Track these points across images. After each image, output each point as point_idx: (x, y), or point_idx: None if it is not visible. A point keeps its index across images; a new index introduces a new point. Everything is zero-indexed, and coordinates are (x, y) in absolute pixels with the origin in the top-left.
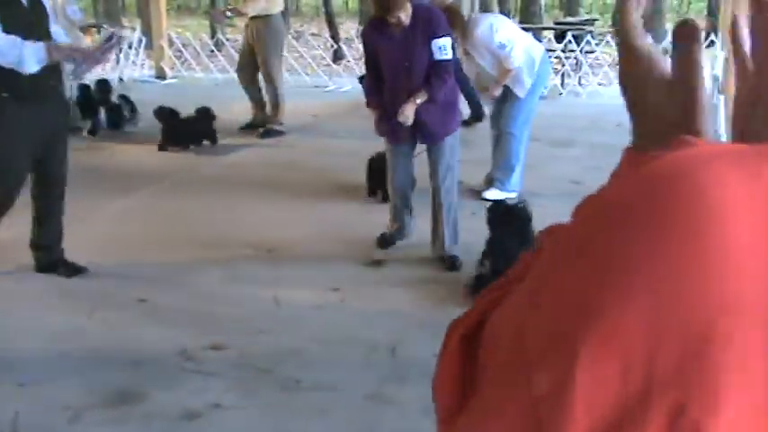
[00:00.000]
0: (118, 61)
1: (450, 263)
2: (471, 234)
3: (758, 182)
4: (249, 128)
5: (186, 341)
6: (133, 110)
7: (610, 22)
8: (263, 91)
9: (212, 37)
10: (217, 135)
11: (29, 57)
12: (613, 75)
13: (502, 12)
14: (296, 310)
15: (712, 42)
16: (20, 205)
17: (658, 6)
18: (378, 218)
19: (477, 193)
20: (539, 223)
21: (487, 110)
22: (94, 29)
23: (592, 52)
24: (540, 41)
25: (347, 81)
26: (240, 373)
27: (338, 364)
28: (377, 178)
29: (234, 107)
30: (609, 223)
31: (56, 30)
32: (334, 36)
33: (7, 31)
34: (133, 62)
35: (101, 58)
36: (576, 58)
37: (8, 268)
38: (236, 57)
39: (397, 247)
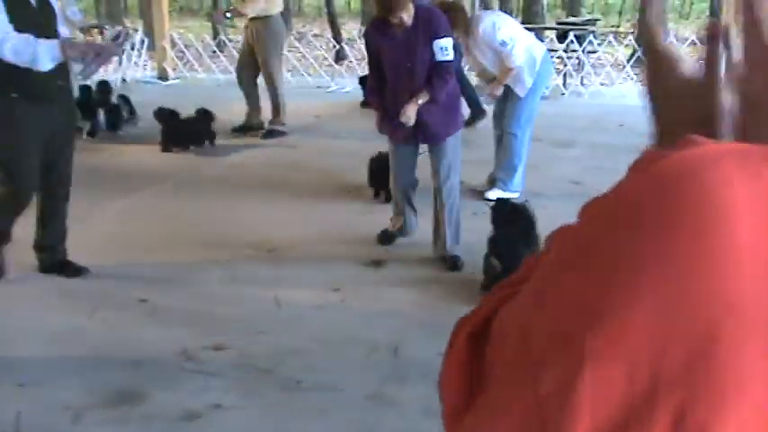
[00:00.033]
0: (120, 62)
1: (452, 263)
2: (473, 234)
3: (759, 182)
4: (241, 130)
5: (187, 341)
6: (132, 111)
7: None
8: (261, 92)
9: (214, 38)
10: (215, 136)
11: (43, 54)
12: (615, 75)
13: (503, 11)
14: (296, 311)
15: None
16: None
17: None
18: (379, 218)
19: (479, 194)
20: (540, 223)
21: (489, 109)
22: (96, 30)
23: (594, 52)
24: (542, 41)
25: (349, 82)
26: (241, 374)
27: (339, 365)
28: (378, 179)
29: (235, 108)
30: (616, 222)
31: (63, 30)
32: (337, 36)
33: (18, 31)
34: (135, 63)
35: (111, 55)
36: (578, 58)
37: (9, 268)
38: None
39: (398, 246)
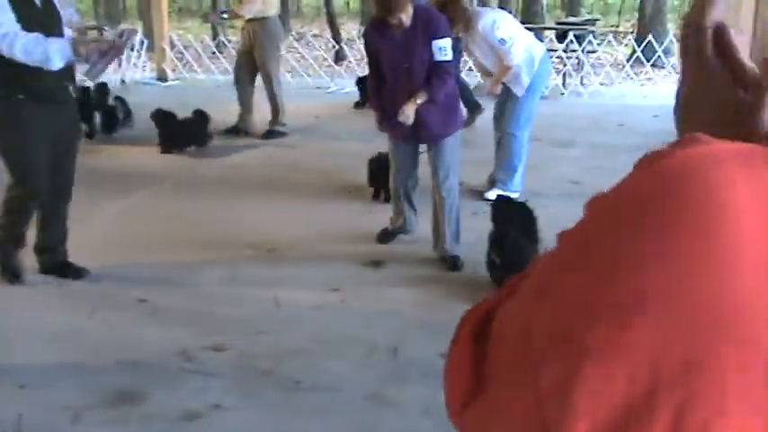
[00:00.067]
0: (120, 63)
1: (452, 263)
2: (473, 234)
3: (761, 183)
4: (233, 132)
5: (186, 341)
6: (127, 113)
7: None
8: (259, 93)
9: (214, 39)
10: (211, 137)
11: (54, 53)
12: (615, 75)
13: (503, 9)
14: (296, 311)
15: None
16: None
17: (660, 6)
18: (379, 218)
19: (478, 194)
20: (539, 224)
21: (489, 109)
22: (95, 30)
23: (593, 52)
24: (542, 41)
25: (349, 82)
26: (240, 374)
27: (338, 365)
28: (378, 179)
29: (234, 109)
30: (618, 221)
31: (66, 32)
32: (336, 37)
33: (25, 31)
34: (135, 64)
35: (117, 55)
36: (577, 57)
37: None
38: None
39: (398, 246)
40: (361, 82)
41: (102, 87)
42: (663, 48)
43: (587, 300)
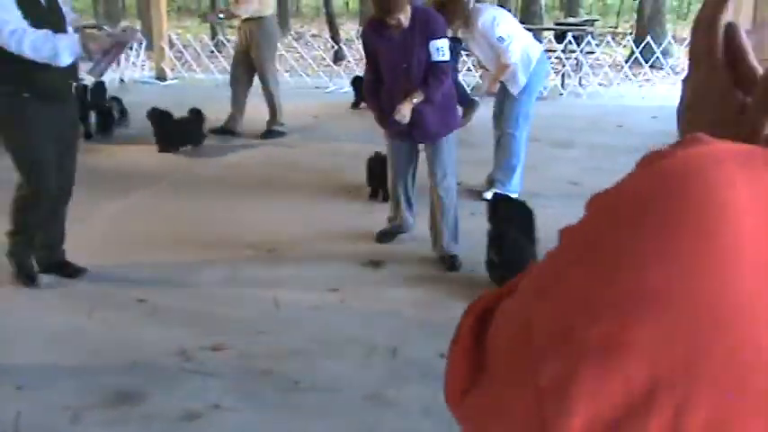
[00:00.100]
0: (118, 62)
1: (450, 262)
2: (472, 234)
3: (761, 183)
4: (219, 132)
5: (186, 341)
6: (123, 113)
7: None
8: (256, 94)
9: (213, 38)
10: (203, 137)
11: (64, 49)
12: (613, 75)
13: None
14: (296, 311)
15: None
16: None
17: (659, 7)
18: (378, 218)
19: (477, 194)
20: (538, 223)
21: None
22: (94, 30)
23: (592, 53)
24: (541, 42)
25: (348, 82)
26: (240, 374)
27: (338, 365)
28: (376, 179)
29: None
30: (619, 220)
31: (70, 30)
32: (335, 37)
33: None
34: (133, 63)
35: (121, 53)
36: (576, 58)
37: (8, 268)
38: None
39: (397, 246)
40: (355, 82)
41: (99, 86)
42: (661, 49)
43: (587, 299)
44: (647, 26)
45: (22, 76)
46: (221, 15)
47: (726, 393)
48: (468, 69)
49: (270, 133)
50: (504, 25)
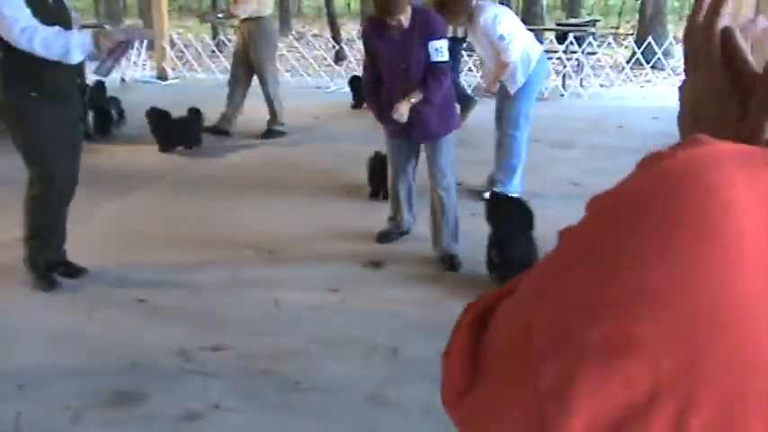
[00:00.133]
0: (126, 60)
1: (450, 262)
2: (472, 234)
3: (761, 184)
4: (214, 131)
5: (186, 342)
6: (121, 114)
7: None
8: (252, 95)
9: (214, 38)
10: (201, 137)
11: (75, 47)
12: (615, 76)
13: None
14: (296, 311)
15: None
16: (18, 205)
17: (660, 7)
18: (378, 218)
19: (477, 194)
20: (538, 224)
21: (487, 107)
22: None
23: (593, 54)
24: (542, 43)
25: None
26: (240, 375)
27: (338, 365)
28: (377, 179)
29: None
30: (619, 220)
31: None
32: (336, 37)
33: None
34: (135, 63)
35: (127, 50)
36: (577, 59)
37: (8, 268)
38: None
39: (398, 246)
40: (352, 82)
41: (99, 86)
42: (663, 50)
43: (588, 299)
44: (648, 27)
45: (29, 76)
46: (220, 15)
47: (726, 393)
48: (470, 69)
49: (270, 133)
50: (505, 24)
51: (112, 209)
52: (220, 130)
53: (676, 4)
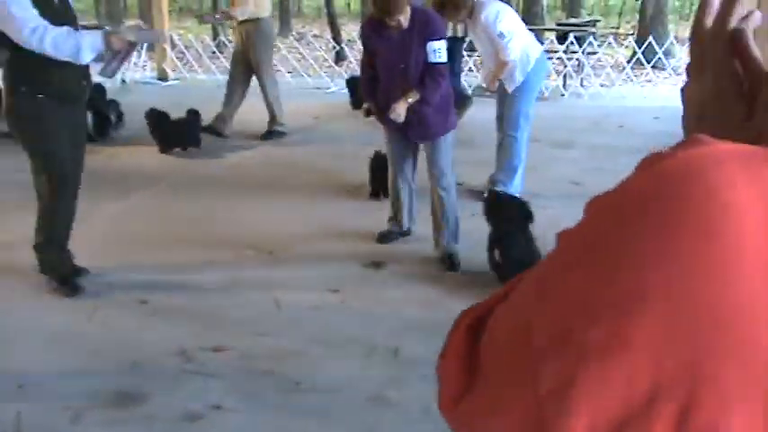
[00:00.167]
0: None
1: (450, 262)
2: (472, 234)
3: (762, 184)
4: (209, 131)
5: (186, 342)
6: (120, 116)
7: (629, 24)
8: (243, 96)
9: (214, 39)
10: (200, 138)
11: (86, 47)
12: (615, 76)
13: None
14: (296, 312)
15: None
16: (18, 206)
17: (661, 7)
18: (379, 218)
19: (478, 194)
20: (539, 224)
21: (486, 107)
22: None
23: (594, 53)
24: (542, 43)
25: None
26: (241, 375)
27: (338, 366)
28: (378, 179)
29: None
30: (619, 221)
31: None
32: (336, 37)
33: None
34: (135, 64)
35: (132, 52)
36: (578, 59)
37: (8, 268)
38: None
39: (398, 247)
40: (350, 83)
41: (98, 88)
42: (663, 49)
43: (587, 300)
44: (649, 27)
45: (37, 77)
46: (218, 17)
47: (727, 394)
48: (470, 69)
49: (270, 134)
50: (506, 22)
51: (113, 209)
52: (215, 131)
53: (677, 3)
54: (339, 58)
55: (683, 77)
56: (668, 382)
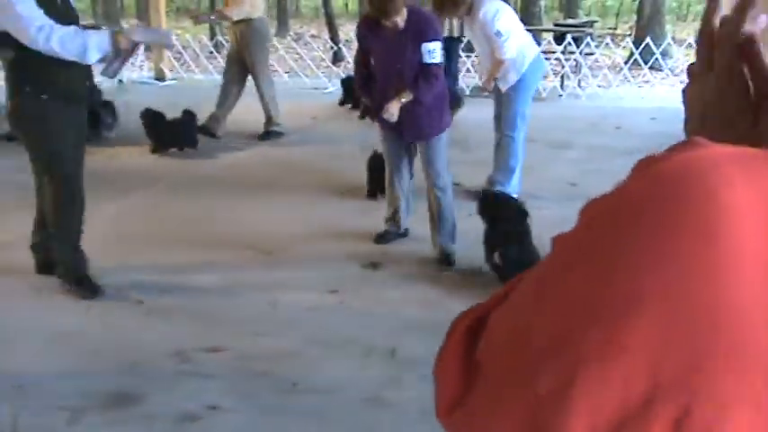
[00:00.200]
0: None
1: (446, 260)
2: (470, 234)
3: (761, 185)
4: (203, 132)
5: (184, 343)
6: (114, 116)
7: (626, 24)
8: (238, 96)
9: (211, 39)
10: (196, 138)
11: (93, 46)
12: (613, 77)
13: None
14: (294, 312)
15: None
16: (18, 206)
17: (658, 8)
18: (377, 218)
19: (476, 195)
20: (536, 224)
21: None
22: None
23: (591, 54)
24: (540, 43)
25: None
26: (238, 376)
27: (336, 367)
28: (376, 179)
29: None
30: (617, 224)
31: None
32: (334, 38)
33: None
34: (132, 63)
35: (134, 52)
36: (575, 60)
37: (7, 269)
38: None
39: (396, 247)
40: (344, 82)
41: (93, 89)
42: (661, 50)
43: (585, 303)
44: (646, 27)
45: (42, 77)
46: (212, 17)
47: (725, 396)
48: (468, 70)
49: (268, 134)
50: (504, 20)
51: (111, 210)
52: (208, 131)
53: (674, 4)
54: (337, 58)
55: (682, 78)
56: (666, 384)
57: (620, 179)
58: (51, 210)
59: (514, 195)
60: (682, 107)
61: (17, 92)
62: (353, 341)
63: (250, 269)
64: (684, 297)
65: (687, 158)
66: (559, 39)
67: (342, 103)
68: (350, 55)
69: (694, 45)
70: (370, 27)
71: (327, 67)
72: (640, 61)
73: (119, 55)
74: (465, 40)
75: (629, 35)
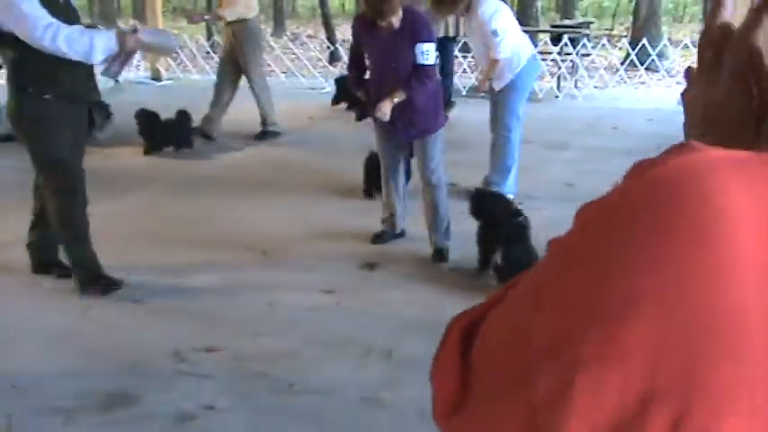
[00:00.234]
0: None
1: (440, 255)
2: (466, 234)
3: (756, 189)
4: (198, 133)
5: (180, 343)
6: (105, 116)
7: (623, 25)
8: (232, 97)
9: (208, 39)
10: (191, 139)
11: (99, 46)
12: (609, 78)
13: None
14: (291, 312)
15: None
16: (17, 206)
17: (654, 9)
18: (374, 219)
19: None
20: (532, 225)
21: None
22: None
23: (588, 55)
24: (536, 45)
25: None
26: (234, 376)
27: (333, 367)
28: (373, 178)
29: (229, 109)
30: (610, 228)
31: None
32: (331, 38)
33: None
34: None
35: (134, 54)
36: (572, 60)
37: (6, 268)
38: None
39: (393, 248)
40: (338, 82)
41: (94, 88)
42: (657, 51)
43: (584, 303)
44: (642, 28)
45: (45, 77)
46: (207, 17)
47: (719, 399)
48: (464, 71)
49: (264, 134)
50: (501, 20)
51: (108, 210)
52: (203, 133)
53: (670, 5)
54: (333, 58)
55: (678, 79)
56: (663, 385)
57: (616, 180)
58: (53, 210)
59: (510, 195)
60: (678, 108)
61: (19, 92)
62: (352, 341)
63: (248, 269)
64: (680, 300)
65: (682, 162)
66: (556, 40)
67: (335, 102)
68: (346, 55)
69: (691, 46)
70: (364, 26)
71: (324, 67)
72: (637, 62)
73: (119, 55)
74: (459, 40)
75: (626, 36)
